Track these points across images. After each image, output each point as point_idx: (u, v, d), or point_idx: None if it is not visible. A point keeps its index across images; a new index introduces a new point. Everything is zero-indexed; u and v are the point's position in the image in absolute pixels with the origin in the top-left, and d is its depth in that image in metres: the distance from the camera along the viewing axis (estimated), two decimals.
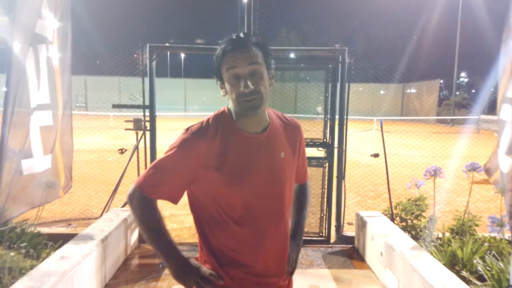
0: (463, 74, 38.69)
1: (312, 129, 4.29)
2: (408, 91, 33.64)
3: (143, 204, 1.31)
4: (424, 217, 3.81)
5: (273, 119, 1.41)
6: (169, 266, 1.32)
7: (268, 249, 1.36)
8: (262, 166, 1.33)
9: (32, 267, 2.63)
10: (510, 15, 3.09)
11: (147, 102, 4.16)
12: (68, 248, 2.91)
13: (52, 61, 3.29)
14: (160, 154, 1.36)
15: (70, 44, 3.57)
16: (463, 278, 2.64)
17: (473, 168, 3.50)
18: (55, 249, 3.08)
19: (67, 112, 3.59)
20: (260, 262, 1.35)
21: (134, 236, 4.02)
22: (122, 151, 4.77)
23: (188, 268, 1.31)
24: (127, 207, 4.31)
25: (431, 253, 3.06)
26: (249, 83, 1.24)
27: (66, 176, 3.66)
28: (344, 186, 4.29)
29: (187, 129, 1.32)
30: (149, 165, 4.31)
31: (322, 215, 4.29)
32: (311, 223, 4.32)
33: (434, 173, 3.61)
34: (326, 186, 4.25)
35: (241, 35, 1.29)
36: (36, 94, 3.11)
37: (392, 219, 4.00)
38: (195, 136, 1.29)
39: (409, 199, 4.01)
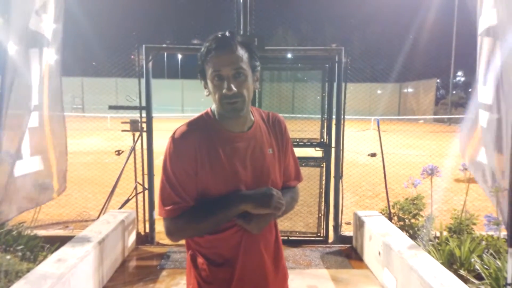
0: (459, 73, 38.78)
1: (309, 129, 4.29)
2: (405, 90, 33.71)
3: (182, 222, 1.27)
4: (422, 216, 3.82)
5: (256, 117, 1.40)
6: (247, 205, 1.25)
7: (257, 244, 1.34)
8: (250, 164, 1.32)
9: (28, 270, 2.62)
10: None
11: (143, 103, 4.16)
12: (65, 250, 2.90)
13: (44, 63, 3.27)
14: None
15: (61, 46, 3.54)
16: (461, 277, 2.65)
17: None
18: (52, 252, 3.06)
19: (57, 113, 3.55)
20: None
21: (131, 238, 4.01)
22: (118, 152, 4.75)
23: (258, 192, 1.27)
24: (124, 209, 4.30)
25: (429, 252, 3.06)
26: (232, 85, 1.22)
27: (59, 179, 3.63)
28: (342, 186, 4.29)
29: (173, 134, 1.30)
30: (145, 168, 4.34)
31: (320, 215, 4.30)
32: (309, 223, 4.32)
33: (431, 172, 3.62)
34: (323, 186, 4.25)
35: (227, 34, 1.25)
36: (32, 96, 3.10)
37: (390, 219, 4.01)
38: (183, 139, 1.28)
39: (406, 199, 4.01)
